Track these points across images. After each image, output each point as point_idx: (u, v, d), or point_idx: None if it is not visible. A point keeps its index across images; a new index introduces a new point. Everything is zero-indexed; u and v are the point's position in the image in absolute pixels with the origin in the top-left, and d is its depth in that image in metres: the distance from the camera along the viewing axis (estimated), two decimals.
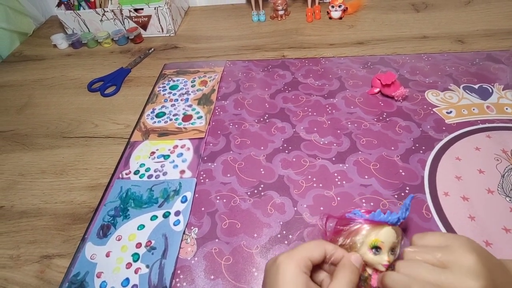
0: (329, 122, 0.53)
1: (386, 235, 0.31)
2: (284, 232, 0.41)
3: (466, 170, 0.44)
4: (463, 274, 0.25)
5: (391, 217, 0.31)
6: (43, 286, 0.39)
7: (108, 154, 0.54)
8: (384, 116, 0.53)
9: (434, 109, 0.53)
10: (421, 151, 0.47)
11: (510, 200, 0.41)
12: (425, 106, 0.54)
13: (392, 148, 0.48)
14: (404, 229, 0.37)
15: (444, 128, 0.50)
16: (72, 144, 0.57)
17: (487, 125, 0.50)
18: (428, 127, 0.51)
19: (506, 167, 0.44)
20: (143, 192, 0.47)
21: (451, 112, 0.52)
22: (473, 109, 0.52)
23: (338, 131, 0.52)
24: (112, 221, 0.44)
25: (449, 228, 0.38)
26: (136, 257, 0.40)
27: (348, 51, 0.68)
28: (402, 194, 0.43)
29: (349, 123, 0.53)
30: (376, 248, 0.30)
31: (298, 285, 0.27)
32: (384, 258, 0.30)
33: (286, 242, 0.40)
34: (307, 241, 0.36)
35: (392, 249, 0.31)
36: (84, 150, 0.56)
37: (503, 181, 0.43)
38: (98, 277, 0.39)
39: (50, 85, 0.72)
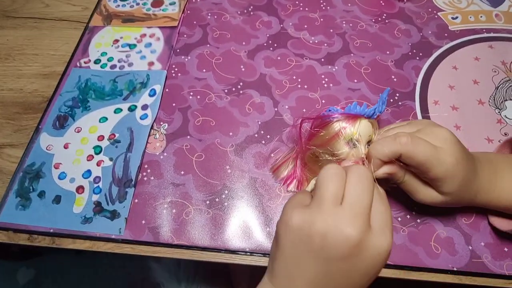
0: (321, 19, 0.47)
1: (362, 128, 0.28)
2: (262, 132, 0.38)
3: (461, 79, 0.41)
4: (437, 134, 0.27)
5: (368, 110, 0.29)
6: None
7: (62, 40, 0.46)
8: (384, 17, 0.47)
9: (439, 13, 0.47)
10: (417, 58, 0.43)
11: (499, 112, 0.39)
12: (429, 9, 0.48)
13: (387, 52, 0.44)
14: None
15: (446, 34, 0.45)
16: (18, 25, 0.48)
17: (492, 34, 0.45)
18: (430, 32, 0.45)
19: (502, 79, 0.41)
20: (105, 83, 0.41)
21: (456, 17, 0.47)
22: (481, 16, 0.47)
23: (331, 30, 0.46)
24: (70, 112, 0.39)
25: None
26: (98, 149, 0.36)
27: None
28: (391, 100, 0.40)
29: (344, 22, 0.47)
30: (353, 142, 0.28)
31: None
32: (361, 151, 0.28)
33: (263, 142, 0.37)
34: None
35: (369, 142, 0.29)
36: (34, 33, 0.47)
37: (496, 93, 0.40)
38: (56, 168, 0.35)
39: None
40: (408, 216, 0.33)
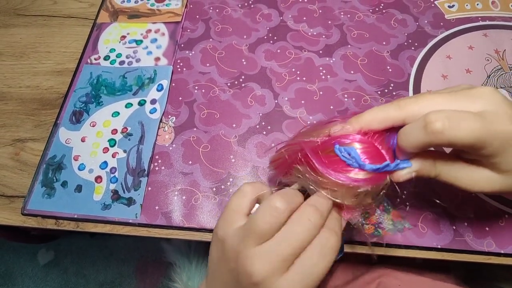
0: (320, 11, 0.48)
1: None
2: (263, 123, 0.40)
3: (454, 69, 0.43)
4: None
5: (402, 166, 0.23)
6: (20, 167, 0.39)
7: (72, 37, 0.48)
8: (381, 7, 0.48)
9: (435, 2, 0.48)
10: (412, 48, 0.45)
11: None
12: None
13: (384, 43, 0.45)
14: None
15: (442, 24, 0.46)
16: (29, 23, 0.50)
17: (487, 22, 0.46)
18: (426, 21, 0.47)
19: (494, 67, 0.43)
20: (115, 79, 0.44)
21: (453, 6, 0.48)
22: (477, 4, 0.48)
23: (329, 22, 0.47)
24: (85, 108, 0.42)
25: None
26: (112, 142, 0.39)
27: None
28: (386, 90, 0.42)
29: (342, 13, 0.48)
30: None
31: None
32: (367, 200, 0.24)
33: (264, 132, 0.40)
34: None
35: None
36: (44, 31, 0.49)
37: (487, 82, 0.42)
38: (76, 159, 0.39)
39: None
40: (398, 200, 0.36)
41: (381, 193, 0.24)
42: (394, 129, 0.23)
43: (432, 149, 0.23)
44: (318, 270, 0.20)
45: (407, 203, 0.35)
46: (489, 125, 0.19)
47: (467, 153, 0.22)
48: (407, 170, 0.23)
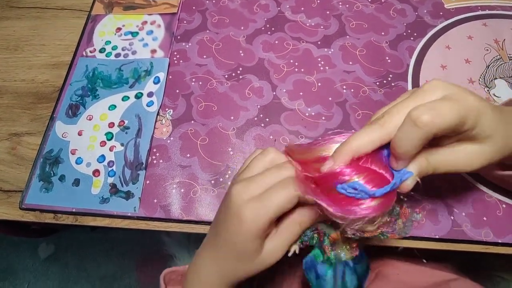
0: (318, 1, 0.47)
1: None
2: (261, 115, 0.40)
3: (453, 59, 0.43)
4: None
5: (406, 177, 0.23)
6: (17, 161, 0.39)
7: (66, 29, 0.48)
8: None
9: None
10: (411, 38, 0.44)
11: (488, 91, 0.41)
12: None
13: (382, 33, 0.45)
14: None
15: (441, 13, 0.46)
16: (22, 15, 0.49)
17: (487, 11, 0.46)
18: (425, 11, 0.46)
19: (493, 57, 0.42)
20: (111, 72, 0.43)
21: None
22: None
23: (327, 12, 0.47)
24: (81, 101, 0.42)
25: None
26: (109, 135, 0.39)
27: None
28: (385, 81, 0.42)
29: (340, 3, 0.47)
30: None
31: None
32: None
33: (262, 124, 0.40)
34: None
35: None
36: (38, 23, 0.48)
37: (486, 72, 0.42)
38: (73, 153, 0.38)
39: None
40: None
41: (393, 208, 0.25)
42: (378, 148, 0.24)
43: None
44: (277, 197, 0.23)
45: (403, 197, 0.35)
46: (460, 102, 0.22)
47: (449, 138, 0.24)
48: (411, 179, 0.23)
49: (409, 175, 0.23)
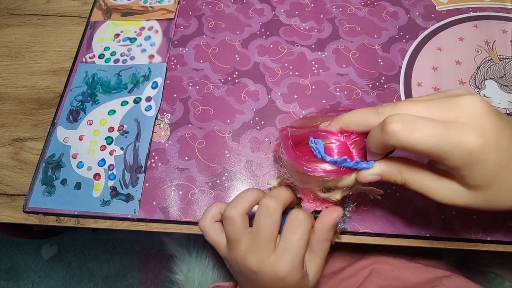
0: (312, 5, 0.48)
1: (346, 181, 0.25)
2: (257, 118, 0.41)
3: (444, 61, 0.43)
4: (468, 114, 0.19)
5: (360, 165, 0.24)
6: (20, 166, 0.40)
7: (66, 36, 0.49)
8: (373, 0, 0.48)
9: None
10: (403, 40, 0.45)
11: (478, 92, 0.42)
12: None
13: (375, 36, 0.46)
14: None
15: (433, 15, 0.47)
16: (23, 23, 0.51)
17: (478, 13, 0.47)
18: (417, 14, 0.47)
19: (484, 58, 0.43)
20: (110, 77, 0.44)
21: None
22: None
23: (321, 16, 0.47)
24: (81, 106, 0.43)
25: None
26: (109, 140, 0.40)
27: None
28: (377, 84, 0.42)
29: (333, 7, 0.48)
30: (329, 189, 0.26)
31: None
32: (335, 196, 0.26)
33: (258, 127, 0.41)
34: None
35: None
36: (38, 30, 0.50)
37: (477, 73, 0.43)
38: (74, 158, 0.40)
39: None
40: (389, 191, 0.37)
41: (349, 192, 0.26)
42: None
43: (404, 156, 0.24)
44: (294, 239, 0.25)
45: (397, 194, 0.36)
46: (447, 134, 0.19)
47: (439, 164, 0.21)
48: (369, 172, 0.23)
49: (367, 166, 0.24)
